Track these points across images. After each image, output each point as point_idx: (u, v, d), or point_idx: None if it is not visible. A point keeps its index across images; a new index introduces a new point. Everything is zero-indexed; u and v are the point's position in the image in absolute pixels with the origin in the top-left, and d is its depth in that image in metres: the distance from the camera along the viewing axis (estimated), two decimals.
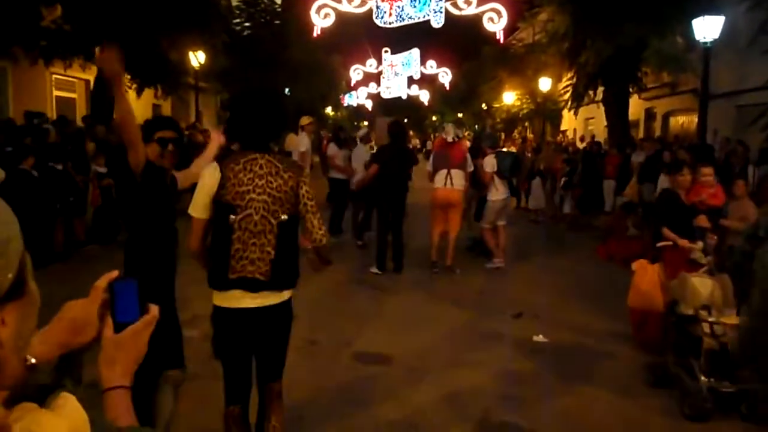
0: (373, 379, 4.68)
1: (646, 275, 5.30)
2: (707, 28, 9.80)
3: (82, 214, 9.04)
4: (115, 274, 1.13)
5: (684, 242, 5.15)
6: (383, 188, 8.19)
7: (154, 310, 1.13)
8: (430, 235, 8.23)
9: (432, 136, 21.27)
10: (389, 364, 4.98)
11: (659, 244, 5.32)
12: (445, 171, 7.89)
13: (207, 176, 2.75)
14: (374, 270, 8.00)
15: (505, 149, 10.79)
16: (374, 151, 9.53)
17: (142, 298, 1.11)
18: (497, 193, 8.39)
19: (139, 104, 16.87)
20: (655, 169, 10.93)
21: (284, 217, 2.74)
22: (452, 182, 7.90)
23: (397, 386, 4.56)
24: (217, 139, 3.64)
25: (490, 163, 8.35)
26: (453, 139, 8.03)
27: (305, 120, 10.32)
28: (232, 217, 2.68)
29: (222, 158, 2.85)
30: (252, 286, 2.72)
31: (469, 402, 4.35)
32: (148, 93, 15.34)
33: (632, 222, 10.40)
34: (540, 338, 5.74)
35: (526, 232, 9.60)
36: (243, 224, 2.69)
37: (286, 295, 2.84)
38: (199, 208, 2.77)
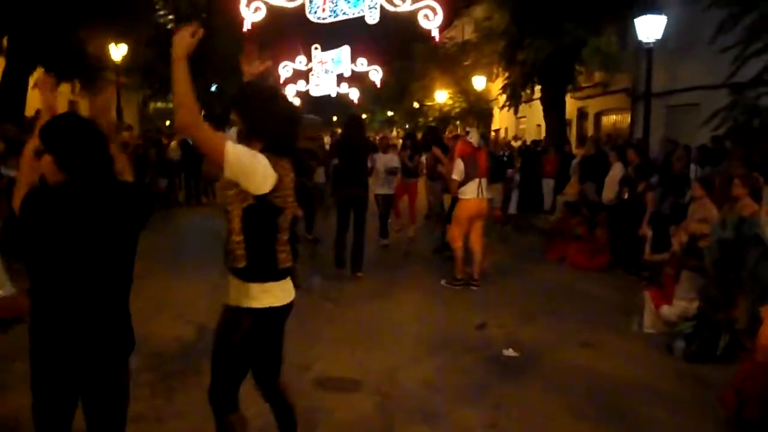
0: (341, 409, 4.18)
1: None
2: (650, 27, 9.80)
3: None
4: None
5: None
6: (343, 183, 7.96)
7: None
8: (455, 248, 7.62)
9: (375, 137, 20.35)
10: (358, 390, 4.50)
11: None
12: (477, 180, 7.44)
13: (266, 173, 2.64)
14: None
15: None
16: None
17: None
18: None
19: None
20: (596, 169, 10.96)
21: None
22: (483, 192, 7.53)
23: (371, 416, 4.10)
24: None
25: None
26: (478, 145, 7.62)
27: None
28: (281, 218, 2.78)
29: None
30: (289, 274, 2.88)
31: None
32: (64, 89, 14.17)
33: (578, 222, 10.35)
34: (510, 352, 5.42)
35: None
36: (283, 224, 2.81)
37: None
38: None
